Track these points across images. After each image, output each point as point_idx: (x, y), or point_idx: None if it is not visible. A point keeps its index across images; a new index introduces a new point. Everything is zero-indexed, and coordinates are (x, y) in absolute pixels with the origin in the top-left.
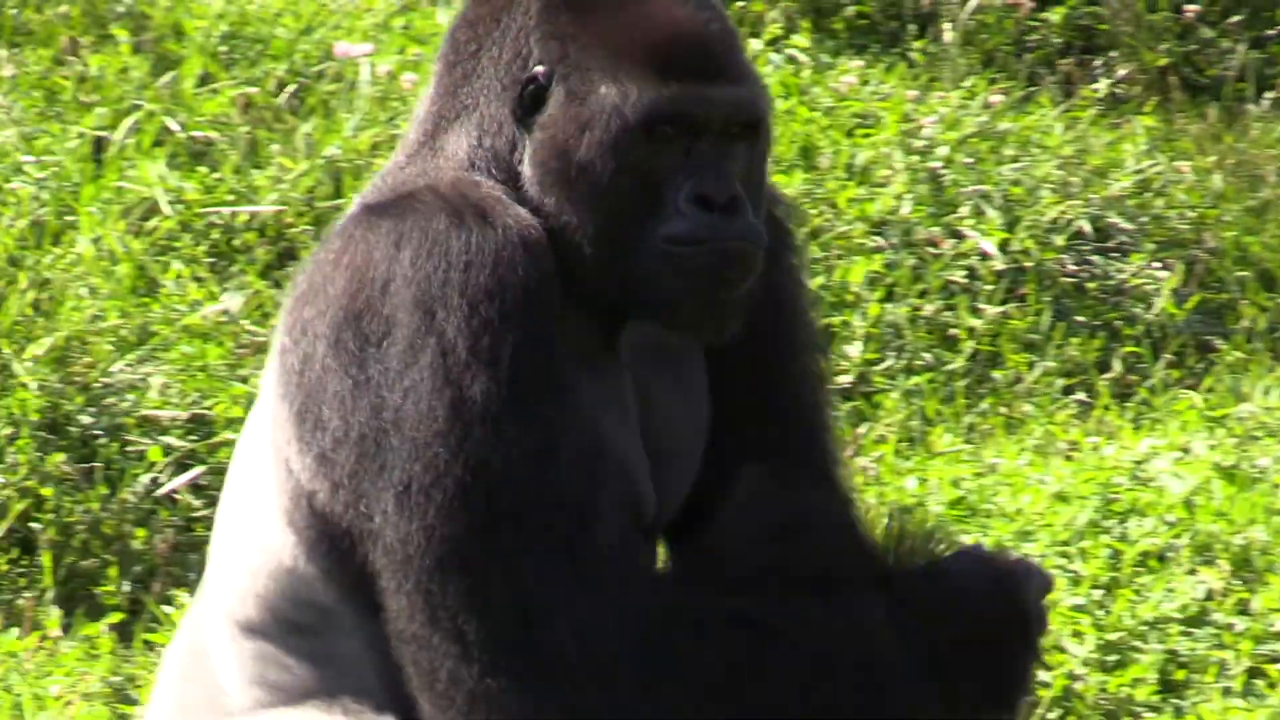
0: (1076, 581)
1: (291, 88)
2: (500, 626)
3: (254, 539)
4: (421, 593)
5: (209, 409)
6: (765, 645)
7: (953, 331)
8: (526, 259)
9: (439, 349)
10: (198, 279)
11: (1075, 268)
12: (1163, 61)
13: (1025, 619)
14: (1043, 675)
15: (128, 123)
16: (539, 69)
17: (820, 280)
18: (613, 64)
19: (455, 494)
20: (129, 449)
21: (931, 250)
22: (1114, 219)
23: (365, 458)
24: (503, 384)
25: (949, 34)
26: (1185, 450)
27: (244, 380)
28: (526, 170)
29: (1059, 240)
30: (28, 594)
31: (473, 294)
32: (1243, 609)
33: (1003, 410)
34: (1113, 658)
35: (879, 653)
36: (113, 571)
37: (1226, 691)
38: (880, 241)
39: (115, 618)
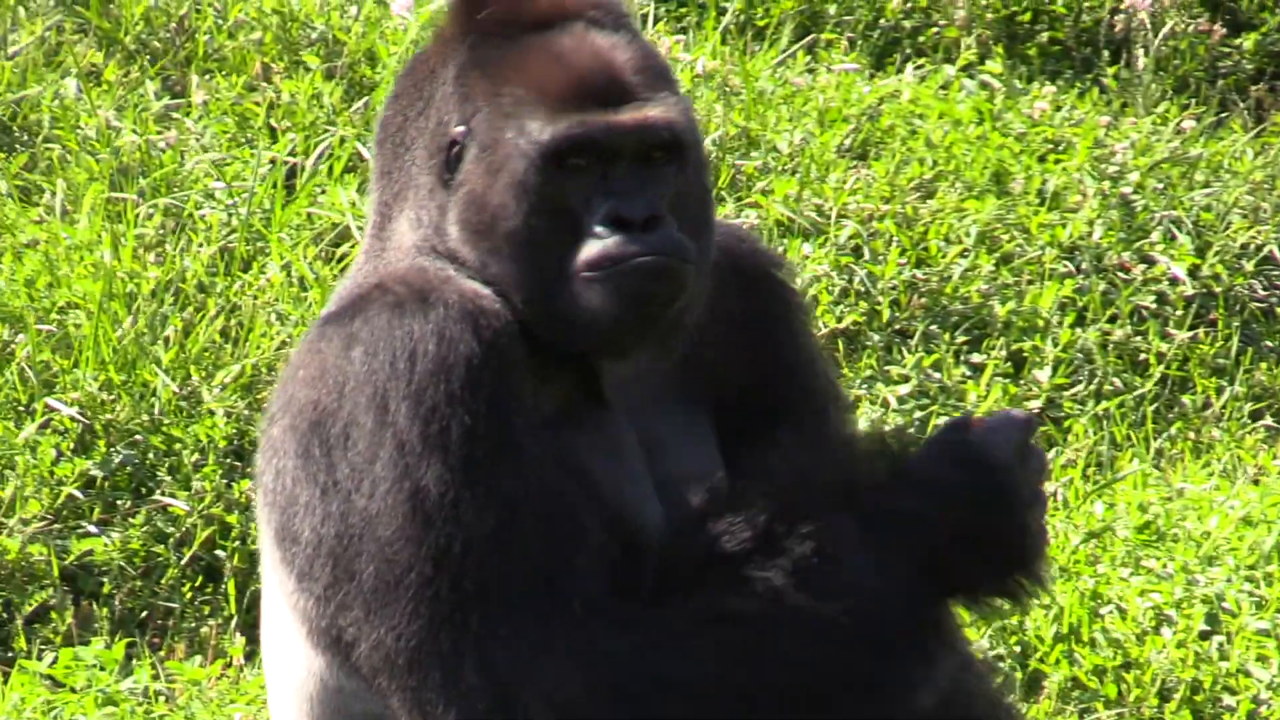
0: (1262, 605)
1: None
2: (479, 711)
3: (294, 665)
4: (406, 690)
5: None
6: (737, 666)
7: (1142, 356)
8: (469, 334)
9: (395, 443)
10: None
11: (1265, 293)
12: None
13: (999, 494)
14: (1227, 699)
15: (319, 149)
16: (457, 130)
17: (1010, 305)
18: (518, 107)
19: (420, 590)
20: None
21: (1122, 275)
22: None
23: (338, 567)
24: (456, 468)
25: (1141, 60)
26: None
27: None
28: (452, 232)
29: (1249, 265)
30: (211, 621)
31: (419, 382)
32: None
33: (1191, 435)
34: None
35: (863, 608)
36: None
37: None
38: (1071, 266)
39: None
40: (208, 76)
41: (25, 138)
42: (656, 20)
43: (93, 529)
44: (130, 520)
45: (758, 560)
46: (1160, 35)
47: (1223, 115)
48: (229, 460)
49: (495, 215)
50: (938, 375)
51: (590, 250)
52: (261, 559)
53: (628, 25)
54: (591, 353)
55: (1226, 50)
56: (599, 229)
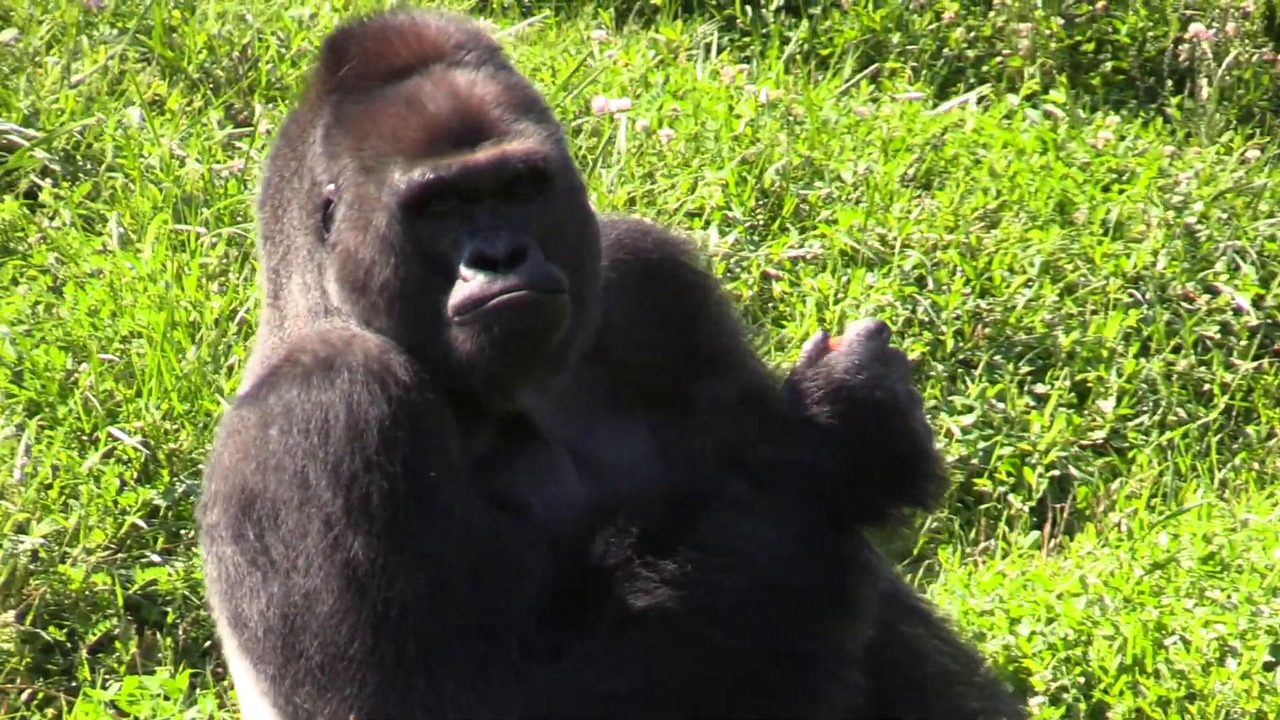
0: None
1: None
2: None
3: None
4: None
5: None
6: (663, 664)
7: (1206, 387)
8: (378, 396)
9: (321, 517)
10: None
11: None
12: None
13: (876, 415)
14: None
15: None
16: (329, 189)
17: (1075, 335)
18: (378, 160)
19: (365, 659)
20: None
21: (1186, 305)
22: None
23: (287, 648)
24: (382, 533)
25: (1205, 90)
26: None
27: None
28: (332, 290)
29: None
30: None
31: (335, 453)
32: None
33: (1255, 465)
34: None
35: (771, 572)
36: None
37: None
38: (1135, 297)
39: None
40: (271, 105)
41: (88, 167)
42: (720, 50)
43: (156, 558)
44: (194, 549)
45: (659, 554)
46: (1224, 65)
47: None
48: None
49: (368, 270)
50: (1001, 405)
51: (458, 294)
52: (224, 644)
53: (493, 59)
54: (481, 394)
55: None
56: (465, 271)
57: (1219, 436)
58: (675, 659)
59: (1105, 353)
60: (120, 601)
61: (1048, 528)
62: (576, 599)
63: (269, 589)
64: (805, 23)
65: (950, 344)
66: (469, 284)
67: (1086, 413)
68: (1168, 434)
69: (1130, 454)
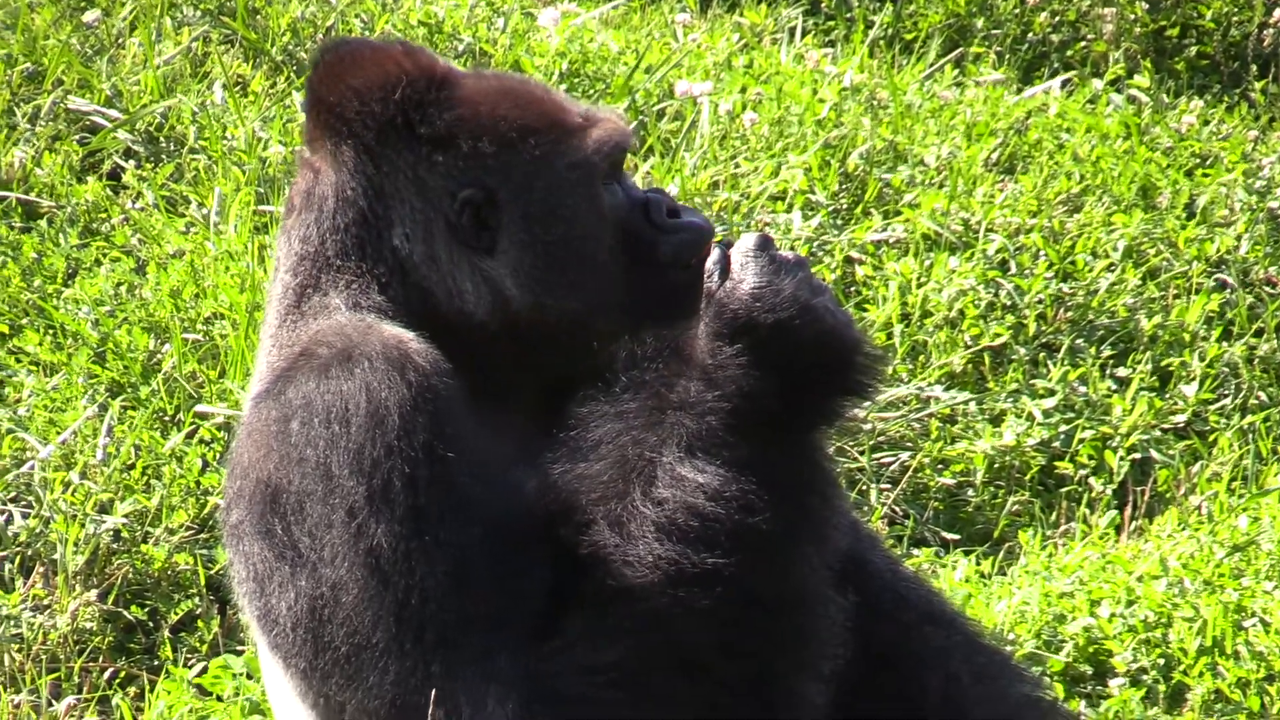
0: None
1: (632, 125)
2: None
3: None
4: None
5: None
6: (646, 633)
7: None
8: (397, 382)
9: (345, 507)
10: None
11: None
12: None
13: (790, 329)
14: None
15: None
16: (465, 193)
17: (1157, 320)
18: (533, 146)
19: (388, 647)
20: None
21: (1269, 290)
22: None
23: (317, 641)
24: (405, 519)
25: None
26: None
27: None
28: (508, 287)
29: None
30: None
31: (356, 441)
32: None
33: None
34: None
35: (726, 519)
36: None
37: None
38: (1219, 281)
39: None
40: None
41: (171, 148)
42: (804, 34)
43: None
44: None
45: (618, 528)
46: None
47: None
48: None
49: (575, 245)
50: (1083, 389)
51: (667, 246)
52: (257, 648)
53: None
54: (659, 331)
55: None
56: (662, 222)
57: None
58: (657, 626)
59: (1187, 336)
60: (202, 581)
61: (1128, 510)
62: (568, 579)
63: (297, 582)
64: (890, 6)
65: (1033, 328)
66: (676, 233)
67: (1168, 396)
68: (1249, 417)
69: (1211, 437)
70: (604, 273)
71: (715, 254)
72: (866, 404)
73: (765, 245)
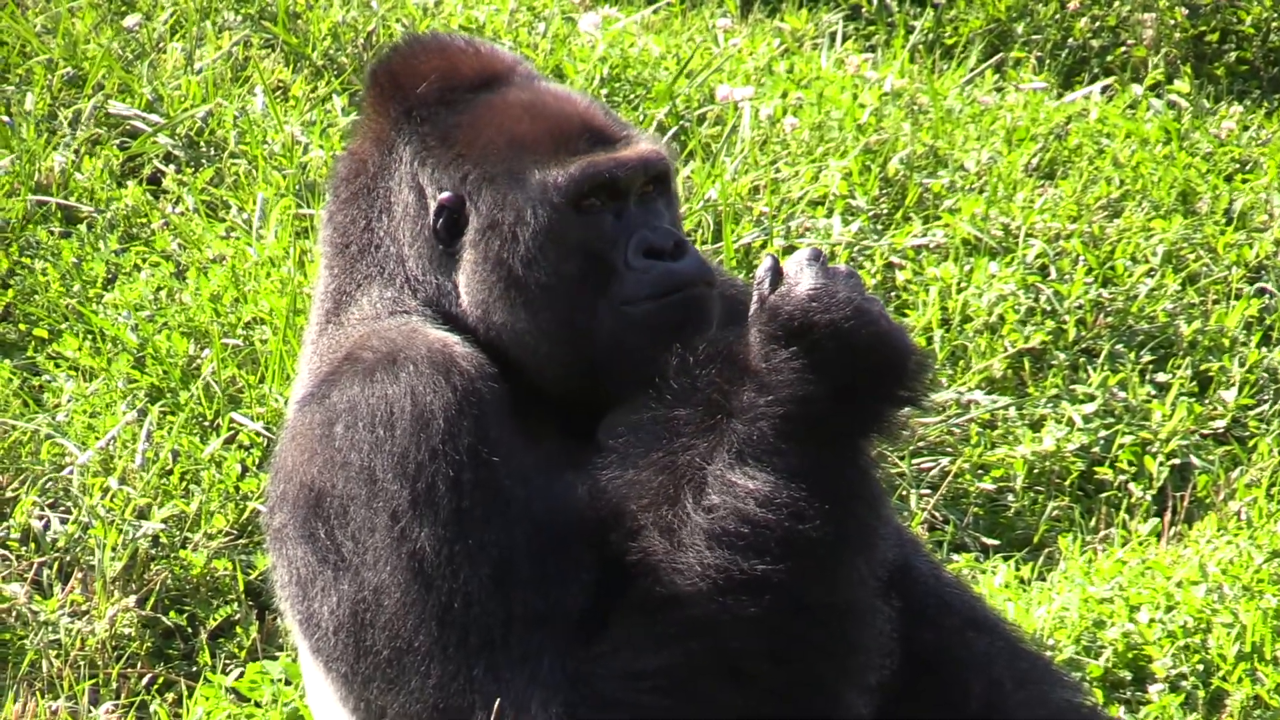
0: None
1: (672, 130)
2: None
3: None
4: None
5: None
6: (696, 639)
7: None
8: (442, 385)
9: (388, 511)
10: None
11: None
12: None
13: (847, 336)
14: None
15: None
16: (443, 196)
17: (1196, 325)
18: (518, 162)
19: (430, 651)
20: None
21: None
22: None
23: (358, 645)
24: (449, 522)
25: None
26: None
27: None
28: (464, 298)
29: None
30: None
31: (400, 444)
32: None
33: None
34: None
35: (778, 526)
36: None
37: None
38: (1258, 287)
39: None
40: None
41: (211, 152)
42: (845, 39)
43: None
44: None
45: (669, 535)
46: None
47: None
48: None
49: (525, 266)
50: (1123, 394)
51: (630, 286)
52: (298, 652)
53: (541, 78)
54: (618, 388)
55: None
56: (635, 262)
57: None
58: (704, 633)
59: (1227, 342)
60: (241, 587)
61: (1168, 516)
62: (613, 582)
63: (340, 586)
64: (930, 12)
65: (1072, 333)
66: (643, 274)
67: (1207, 402)
68: None
69: (1251, 443)
70: (558, 300)
71: (766, 263)
72: (917, 412)
73: (818, 256)
